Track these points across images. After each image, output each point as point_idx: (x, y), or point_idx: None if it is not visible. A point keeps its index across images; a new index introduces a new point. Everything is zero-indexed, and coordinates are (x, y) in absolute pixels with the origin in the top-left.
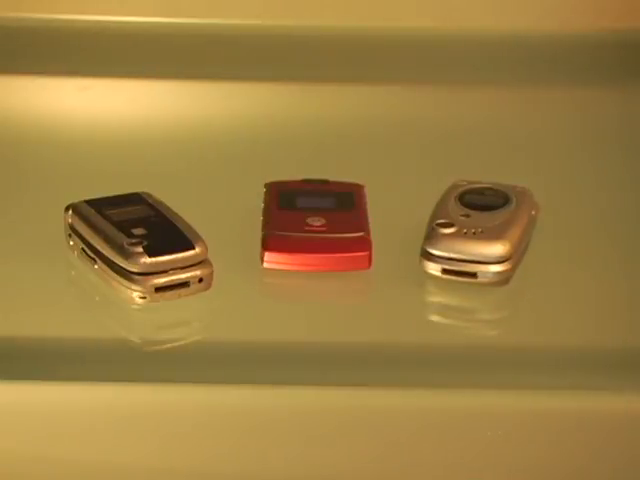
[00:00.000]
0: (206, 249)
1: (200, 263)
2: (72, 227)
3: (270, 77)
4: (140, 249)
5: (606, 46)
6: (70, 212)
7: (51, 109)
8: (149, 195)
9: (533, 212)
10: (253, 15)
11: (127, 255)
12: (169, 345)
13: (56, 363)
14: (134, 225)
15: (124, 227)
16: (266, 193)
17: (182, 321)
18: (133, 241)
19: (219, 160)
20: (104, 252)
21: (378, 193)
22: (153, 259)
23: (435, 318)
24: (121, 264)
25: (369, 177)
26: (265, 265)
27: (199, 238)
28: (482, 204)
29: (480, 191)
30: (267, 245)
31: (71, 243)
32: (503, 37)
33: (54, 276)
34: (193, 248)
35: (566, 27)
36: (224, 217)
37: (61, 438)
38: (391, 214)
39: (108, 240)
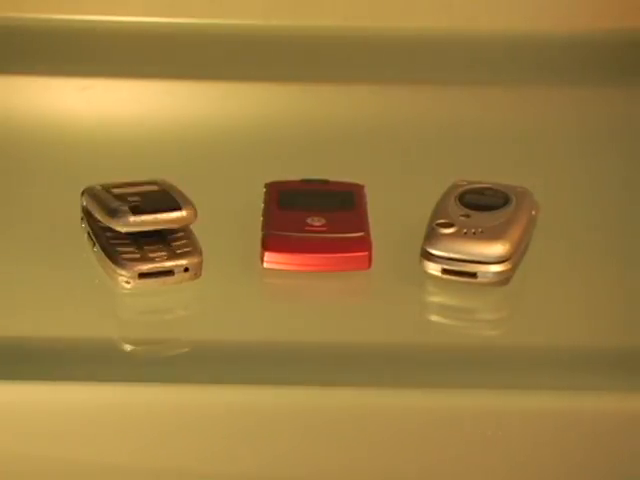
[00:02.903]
0: (195, 215)
1: (189, 244)
2: (83, 209)
3: (270, 77)
4: (126, 208)
5: (606, 46)
6: (84, 194)
7: (52, 109)
8: (164, 181)
9: (533, 212)
10: (253, 15)
11: (115, 214)
12: (168, 345)
13: (56, 363)
14: (133, 195)
15: (122, 197)
16: (266, 193)
17: (181, 321)
18: (123, 203)
19: (219, 160)
20: (98, 216)
21: (378, 193)
22: (137, 217)
23: (435, 318)
24: (109, 224)
25: (369, 177)
26: (265, 265)
27: (189, 203)
28: (482, 204)
29: (480, 191)
30: (267, 245)
31: (82, 226)
32: (503, 37)
33: (54, 279)
34: (180, 209)
35: (566, 27)
36: (224, 217)
37: (61, 438)
38: (391, 214)
39: (103, 206)
